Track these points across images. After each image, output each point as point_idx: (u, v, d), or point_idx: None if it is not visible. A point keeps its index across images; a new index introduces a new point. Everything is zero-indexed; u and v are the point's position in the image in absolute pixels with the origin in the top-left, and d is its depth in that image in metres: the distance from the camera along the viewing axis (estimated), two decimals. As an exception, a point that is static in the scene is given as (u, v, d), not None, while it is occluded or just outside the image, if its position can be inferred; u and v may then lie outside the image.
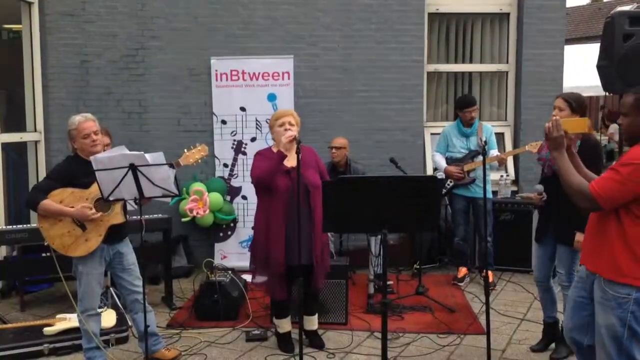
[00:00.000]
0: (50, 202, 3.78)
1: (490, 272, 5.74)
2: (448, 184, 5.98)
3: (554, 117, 3.01)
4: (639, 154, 2.73)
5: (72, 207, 3.82)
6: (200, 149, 4.22)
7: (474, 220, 6.07)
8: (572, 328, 3.19)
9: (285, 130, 4.17)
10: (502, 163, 5.79)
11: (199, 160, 4.24)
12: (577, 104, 3.99)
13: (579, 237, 3.79)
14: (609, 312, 2.83)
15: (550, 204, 4.12)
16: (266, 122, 6.50)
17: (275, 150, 4.26)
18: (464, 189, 5.93)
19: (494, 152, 5.81)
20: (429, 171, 6.96)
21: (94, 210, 3.81)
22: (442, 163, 5.99)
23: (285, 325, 4.51)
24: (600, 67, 5.95)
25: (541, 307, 4.46)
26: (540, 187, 4.14)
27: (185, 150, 4.22)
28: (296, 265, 4.00)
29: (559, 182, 4.01)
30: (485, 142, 4.47)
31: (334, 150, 6.00)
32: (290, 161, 4.17)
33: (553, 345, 4.39)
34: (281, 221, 4.14)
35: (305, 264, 4.15)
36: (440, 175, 6.01)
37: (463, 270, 6.14)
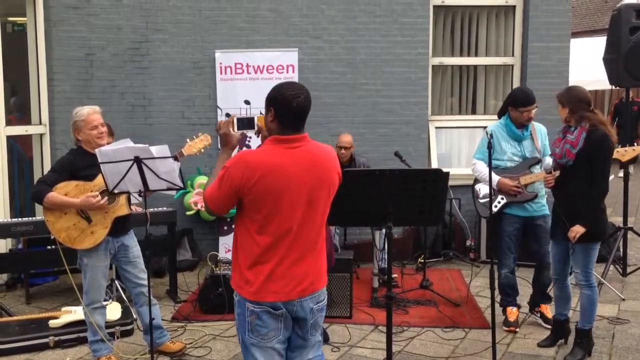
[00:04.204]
0: (55, 195, 3.79)
1: (546, 307, 4.80)
2: (499, 201, 4.65)
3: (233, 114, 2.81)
4: (234, 158, 2.52)
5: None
6: (203, 139, 4.16)
7: (534, 245, 4.75)
8: None
9: None
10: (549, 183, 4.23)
11: (202, 150, 4.17)
12: (565, 99, 4.00)
13: (577, 228, 3.88)
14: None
15: (560, 200, 4.09)
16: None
17: None
18: (517, 207, 4.61)
19: (549, 160, 4.47)
20: (434, 165, 6.94)
21: (98, 198, 3.80)
22: (486, 172, 4.31)
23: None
24: (606, 60, 5.92)
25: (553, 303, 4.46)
26: (548, 163, 4.02)
27: (188, 140, 4.17)
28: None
29: (568, 178, 3.98)
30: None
31: (343, 151, 5.85)
32: None
33: (562, 341, 4.37)
34: None
35: None
36: (484, 190, 4.75)
37: (514, 312, 4.77)
